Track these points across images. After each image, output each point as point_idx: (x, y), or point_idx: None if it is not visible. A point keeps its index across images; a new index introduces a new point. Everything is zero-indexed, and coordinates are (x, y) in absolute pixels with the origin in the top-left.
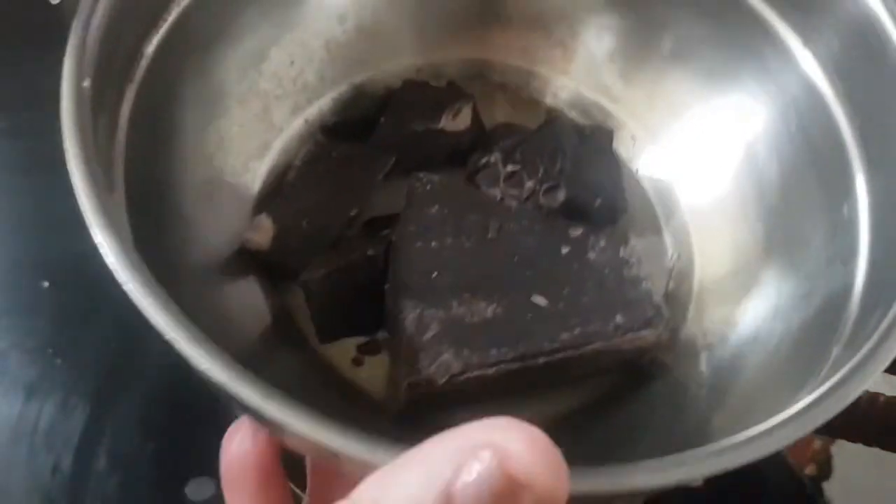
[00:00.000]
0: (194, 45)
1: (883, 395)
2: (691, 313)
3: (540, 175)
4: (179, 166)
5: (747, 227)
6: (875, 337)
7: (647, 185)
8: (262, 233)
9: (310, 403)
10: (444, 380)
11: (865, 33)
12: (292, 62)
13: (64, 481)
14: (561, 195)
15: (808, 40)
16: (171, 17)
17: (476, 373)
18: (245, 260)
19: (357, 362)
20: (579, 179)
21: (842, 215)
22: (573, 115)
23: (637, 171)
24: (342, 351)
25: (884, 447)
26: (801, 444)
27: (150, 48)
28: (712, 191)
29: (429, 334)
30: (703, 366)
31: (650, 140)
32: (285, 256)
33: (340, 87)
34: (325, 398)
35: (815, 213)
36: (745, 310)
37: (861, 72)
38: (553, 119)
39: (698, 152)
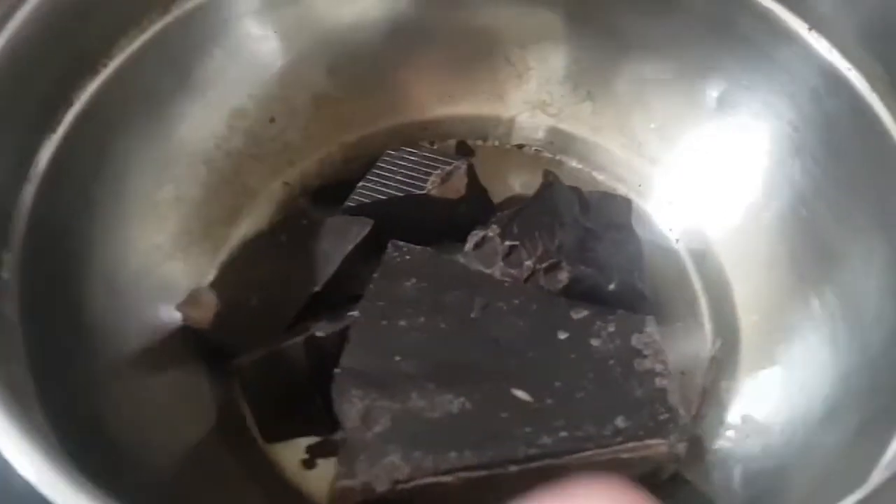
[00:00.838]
0: (145, 95)
1: None
2: (730, 415)
3: (539, 252)
4: (105, 234)
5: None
6: None
7: (686, 257)
8: (203, 309)
9: None
10: (385, 487)
11: None
12: (272, 119)
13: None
14: (563, 276)
15: None
16: (114, 62)
17: (428, 480)
18: (188, 341)
19: (308, 465)
20: (588, 258)
21: None
22: (602, 178)
23: (677, 241)
24: (293, 451)
25: None
26: None
27: (83, 95)
28: (763, 261)
29: (376, 429)
30: (737, 481)
31: (690, 205)
32: (228, 337)
33: (328, 148)
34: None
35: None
36: (794, 408)
37: None
38: (548, 184)
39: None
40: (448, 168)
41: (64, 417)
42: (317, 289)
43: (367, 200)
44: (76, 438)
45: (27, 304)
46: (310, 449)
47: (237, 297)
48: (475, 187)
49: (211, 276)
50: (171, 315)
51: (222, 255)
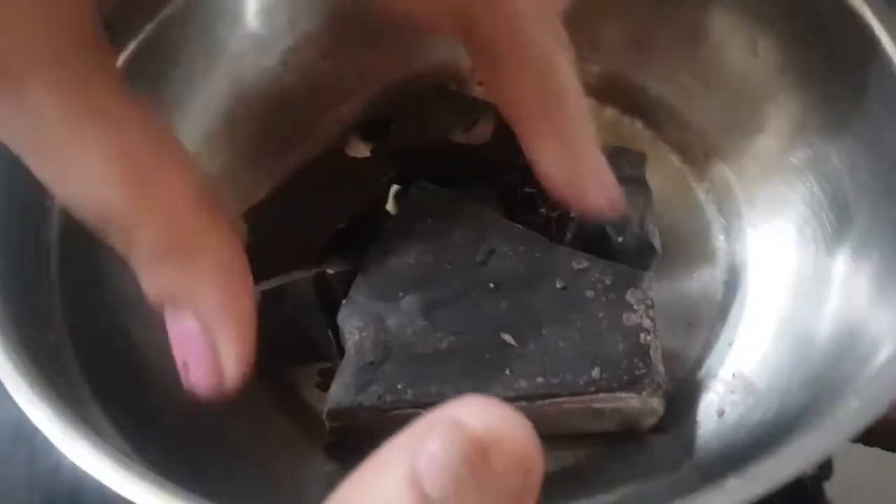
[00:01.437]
0: (201, 34)
1: None
2: (723, 369)
3: (553, 200)
4: None
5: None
6: None
7: (710, 211)
8: None
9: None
10: (367, 413)
11: None
12: (325, 56)
13: (64, 481)
14: (572, 225)
15: None
16: (170, 7)
17: (409, 410)
18: None
19: (321, 387)
20: None
21: None
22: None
23: (707, 192)
24: (309, 375)
25: (884, 447)
26: None
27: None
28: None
29: (367, 359)
30: (716, 435)
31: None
32: (261, 268)
33: (380, 84)
34: (279, 425)
35: None
36: (781, 367)
37: None
38: None
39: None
40: (475, 115)
41: (99, 369)
42: (341, 226)
43: (398, 143)
44: (112, 391)
45: (67, 235)
46: (321, 373)
47: (267, 230)
48: (501, 132)
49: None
50: None
51: (269, 187)
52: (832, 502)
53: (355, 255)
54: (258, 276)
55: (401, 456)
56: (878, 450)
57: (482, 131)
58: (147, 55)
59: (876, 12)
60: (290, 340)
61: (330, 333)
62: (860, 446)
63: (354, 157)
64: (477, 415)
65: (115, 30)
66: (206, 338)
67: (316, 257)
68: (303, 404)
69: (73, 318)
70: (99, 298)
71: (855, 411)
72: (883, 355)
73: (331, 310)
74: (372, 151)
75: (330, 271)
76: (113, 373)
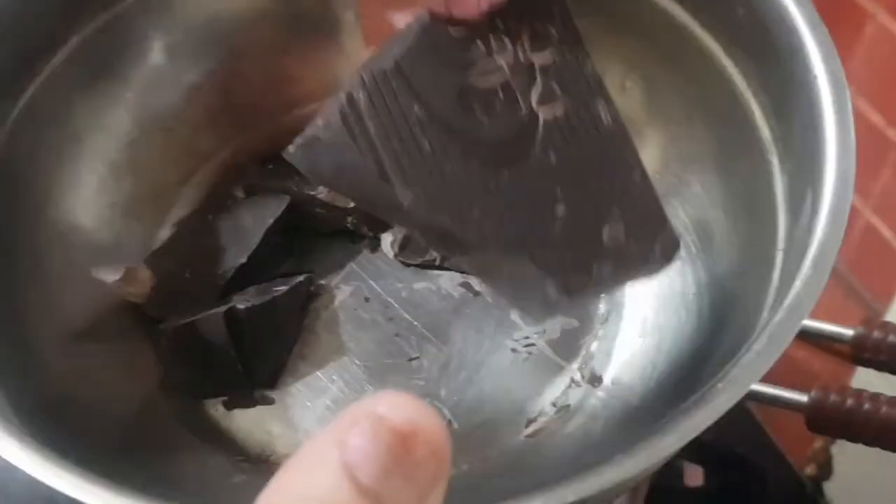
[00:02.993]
0: (107, 68)
1: (883, 395)
2: (605, 376)
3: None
4: (63, 191)
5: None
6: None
7: None
8: (138, 284)
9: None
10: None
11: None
12: (227, 92)
13: None
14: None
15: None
16: (78, 37)
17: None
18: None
19: (227, 405)
20: None
21: None
22: None
23: None
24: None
25: (884, 447)
26: (801, 444)
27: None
28: None
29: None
30: (597, 436)
31: None
32: (164, 309)
33: (281, 119)
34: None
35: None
36: (656, 374)
37: None
38: None
39: None
40: None
41: (15, 382)
42: (242, 261)
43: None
44: (33, 412)
45: None
46: (224, 403)
47: (171, 272)
48: None
49: (164, 231)
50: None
51: (174, 214)
52: (832, 502)
53: (260, 293)
54: (167, 315)
55: (329, 450)
56: (878, 450)
57: None
58: (55, 87)
59: (727, 50)
60: (202, 374)
61: (240, 367)
62: (860, 446)
63: (241, 198)
64: (396, 408)
65: (23, 60)
66: None
67: (220, 293)
68: (210, 422)
69: None
70: (9, 321)
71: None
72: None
73: (241, 343)
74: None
75: (240, 306)
76: (31, 394)
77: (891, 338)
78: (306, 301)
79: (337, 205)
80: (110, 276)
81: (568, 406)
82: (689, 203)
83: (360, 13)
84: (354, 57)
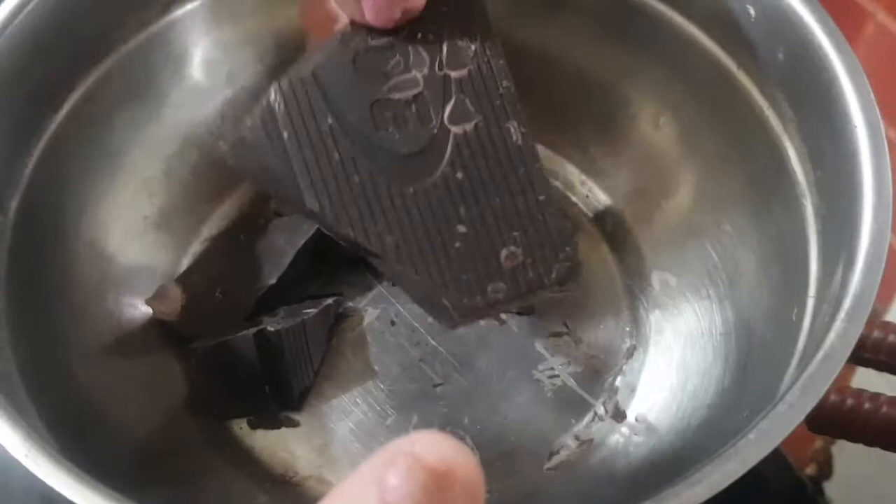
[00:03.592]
0: (145, 84)
1: (883, 394)
2: (629, 412)
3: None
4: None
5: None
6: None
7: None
8: (169, 302)
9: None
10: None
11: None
12: None
13: None
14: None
15: None
16: (117, 54)
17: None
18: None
19: (252, 425)
20: None
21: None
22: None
23: (612, 251)
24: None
25: (884, 447)
26: (801, 444)
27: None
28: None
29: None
30: (620, 474)
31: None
32: (194, 328)
33: None
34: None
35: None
36: (681, 412)
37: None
38: None
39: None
40: None
41: (46, 397)
42: (272, 281)
43: None
44: (60, 422)
45: (14, 269)
46: (249, 422)
47: (201, 291)
48: None
49: (194, 247)
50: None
51: (205, 230)
52: (832, 502)
53: (290, 315)
54: (196, 334)
55: (368, 489)
56: (878, 450)
57: None
58: (93, 101)
59: (764, 92)
60: (229, 394)
61: (267, 389)
62: (860, 446)
63: (273, 218)
64: (432, 448)
65: (62, 75)
66: None
67: (249, 313)
68: (234, 440)
69: (20, 350)
70: (42, 332)
71: (751, 443)
72: (768, 400)
73: (269, 365)
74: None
75: (270, 329)
76: (59, 405)
77: (891, 338)
78: (334, 323)
79: None
80: (142, 293)
81: (591, 440)
82: (719, 242)
83: None
84: None
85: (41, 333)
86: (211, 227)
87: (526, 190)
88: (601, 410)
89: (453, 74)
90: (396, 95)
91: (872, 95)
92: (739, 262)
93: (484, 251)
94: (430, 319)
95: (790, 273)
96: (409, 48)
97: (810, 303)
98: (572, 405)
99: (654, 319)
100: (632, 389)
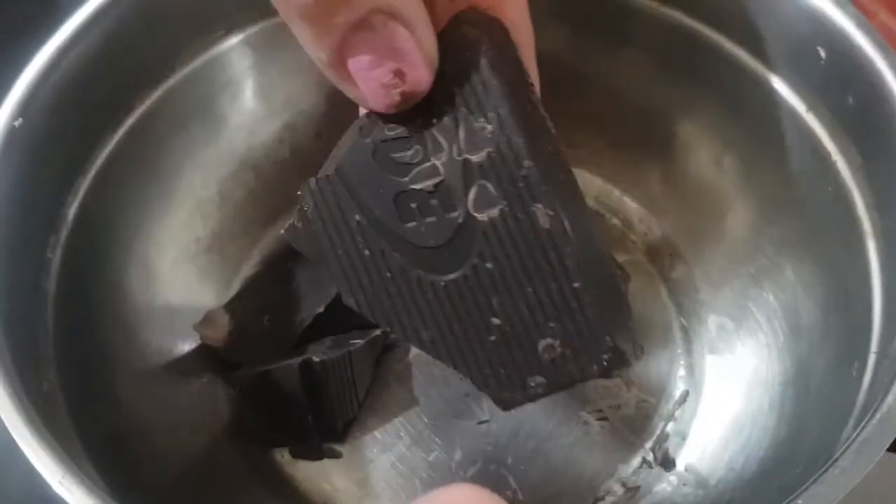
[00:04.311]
0: (204, 106)
1: None
2: (678, 460)
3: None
4: (150, 225)
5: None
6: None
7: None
8: (216, 328)
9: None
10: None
11: None
12: (318, 134)
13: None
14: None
15: None
16: (177, 75)
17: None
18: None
19: (294, 454)
20: None
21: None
22: None
23: (669, 292)
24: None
25: None
26: None
27: (146, 102)
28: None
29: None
30: None
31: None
32: (240, 354)
33: None
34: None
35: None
36: (732, 464)
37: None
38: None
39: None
40: None
41: (87, 419)
42: (320, 311)
43: None
44: (100, 444)
45: (64, 286)
46: (291, 451)
47: (249, 318)
48: None
49: (245, 270)
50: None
51: (256, 253)
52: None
53: (336, 345)
54: (242, 362)
55: None
56: None
57: None
58: (151, 122)
59: (833, 136)
60: (273, 423)
61: (310, 419)
62: None
63: None
64: (471, 499)
65: (121, 95)
66: (415, 37)
67: (296, 341)
68: (274, 468)
69: (65, 369)
70: (89, 352)
71: None
72: (824, 457)
73: (314, 395)
74: None
75: (315, 359)
76: (101, 426)
77: None
78: (381, 354)
79: None
80: (191, 317)
81: (637, 487)
82: (781, 289)
83: None
84: None
85: (88, 353)
86: (263, 251)
87: (559, 277)
88: (650, 457)
89: (473, 158)
90: (419, 185)
91: None
92: (800, 311)
93: (521, 344)
94: None
95: (853, 326)
96: (426, 134)
97: (872, 358)
98: (620, 450)
99: (710, 365)
100: (683, 437)
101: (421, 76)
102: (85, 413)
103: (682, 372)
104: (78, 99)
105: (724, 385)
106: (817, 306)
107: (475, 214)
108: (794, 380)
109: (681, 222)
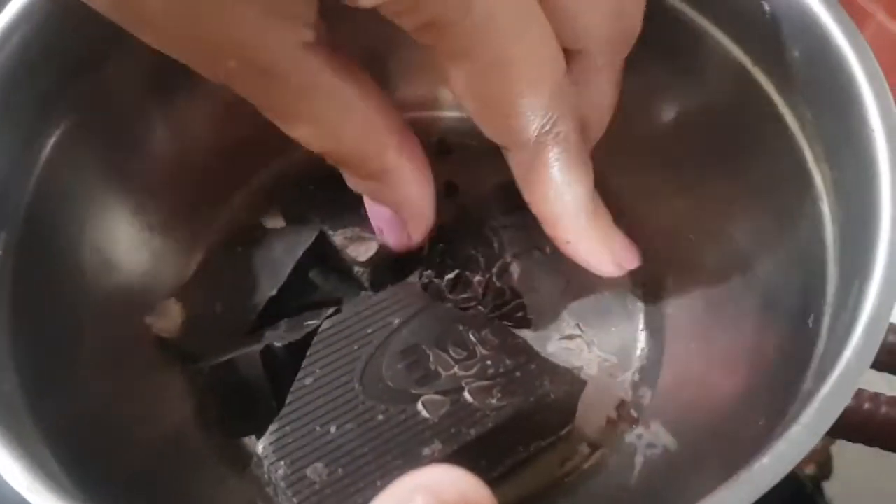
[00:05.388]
0: (152, 86)
1: (883, 394)
2: (642, 419)
3: (483, 265)
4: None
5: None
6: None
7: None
8: (169, 318)
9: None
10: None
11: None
12: None
13: None
14: (515, 269)
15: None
16: (116, 58)
17: None
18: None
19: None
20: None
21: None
22: None
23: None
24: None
25: (884, 447)
26: None
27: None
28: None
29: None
30: (635, 478)
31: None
32: (196, 343)
33: None
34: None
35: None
36: (697, 421)
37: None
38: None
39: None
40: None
41: (49, 416)
42: (272, 293)
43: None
44: (63, 440)
45: (19, 284)
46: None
47: (201, 306)
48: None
49: (200, 254)
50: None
51: (211, 235)
52: (832, 502)
53: (293, 329)
54: (200, 352)
55: None
56: (878, 450)
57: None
58: (97, 107)
59: (780, 90)
60: (237, 412)
61: (275, 404)
62: (860, 446)
63: (273, 229)
64: (449, 483)
65: (67, 81)
66: (399, 220)
67: (250, 327)
68: (241, 451)
69: (24, 366)
70: (47, 347)
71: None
72: (785, 409)
73: (276, 380)
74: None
75: (277, 344)
76: (63, 421)
77: (891, 338)
78: None
79: (349, 254)
80: (149, 305)
81: (603, 446)
82: (735, 241)
83: None
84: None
85: (45, 347)
86: (215, 234)
87: None
88: (614, 415)
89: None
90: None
91: (892, 100)
92: (755, 264)
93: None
94: None
95: (807, 278)
96: (431, 355)
97: (827, 310)
98: (584, 410)
99: (669, 319)
100: (647, 394)
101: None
102: (46, 412)
103: (642, 328)
104: (19, 90)
105: (683, 341)
106: (772, 260)
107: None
108: (751, 333)
109: (635, 179)
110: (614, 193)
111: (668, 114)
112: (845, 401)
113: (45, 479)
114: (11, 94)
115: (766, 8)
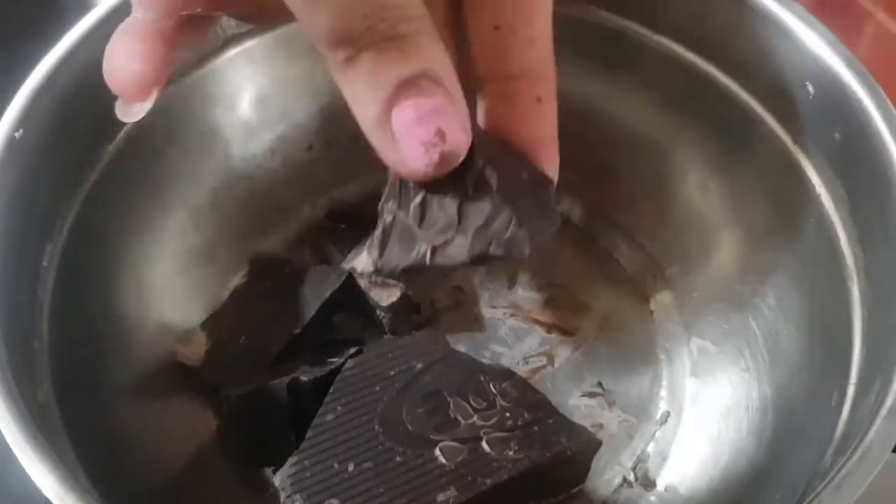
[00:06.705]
0: (196, 118)
1: None
2: (659, 480)
3: None
4: (142, 235)
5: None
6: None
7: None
8: (194, 347)
9: None
10: None
11: None
12: (310, 147)
13: None
14: None
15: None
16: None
17: None
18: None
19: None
20: None
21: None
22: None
23: (652, 313)
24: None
25: None
26: None
27: None
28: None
29: None
30: None
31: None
32: (218, 373)
33: (360, 179)
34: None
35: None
36: (712, 487)
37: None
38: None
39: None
40: None
41: (80, 428)
42: (297, 331)
43: None
44: (93, 453)
45: (59, 296)
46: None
47: (226, 337)
48: None
49: (235, 281)
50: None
51: (243, 267)
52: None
53: (317, 364)
54: (220, 382)
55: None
56: None
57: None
58: (145, 131)
59: (818, 170)
60: (259, 442)
61: (293, 438)
62: None
63: (299, 268)
64: None
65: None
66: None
67: (272, 361)
68: (263, 480)
69: (59, 379)
70: (82, 362)
71: None
72: (802, 488)
73: (300, 413)
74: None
75: (303, 378)
76: (93, 436)
77: None
78: None
79: (374, 298)
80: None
81: None
82: (762, 316)
83: None
84: None
85: (81, 362)
86: (251, 265)
87: None
88: (630, 476)
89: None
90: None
91: None
92: (781, 339)
93: None
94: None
95: (832, 357)
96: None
97: (851, 390)
98: (601, 468)
99: (690, 387)
100: (663, 457)
101: (459, 139)
102: (78, 423)
103: (663, 393)
104: (76, 110)
105: (704, 407)
106: (798, 335)
107: None
108: (773, 406)
109: (666, 246)
110: (652, 259)
111: (709, 184)
112: (865, 482)
113: (78, 491)
114: (70, 112)
115: (811, 89)
